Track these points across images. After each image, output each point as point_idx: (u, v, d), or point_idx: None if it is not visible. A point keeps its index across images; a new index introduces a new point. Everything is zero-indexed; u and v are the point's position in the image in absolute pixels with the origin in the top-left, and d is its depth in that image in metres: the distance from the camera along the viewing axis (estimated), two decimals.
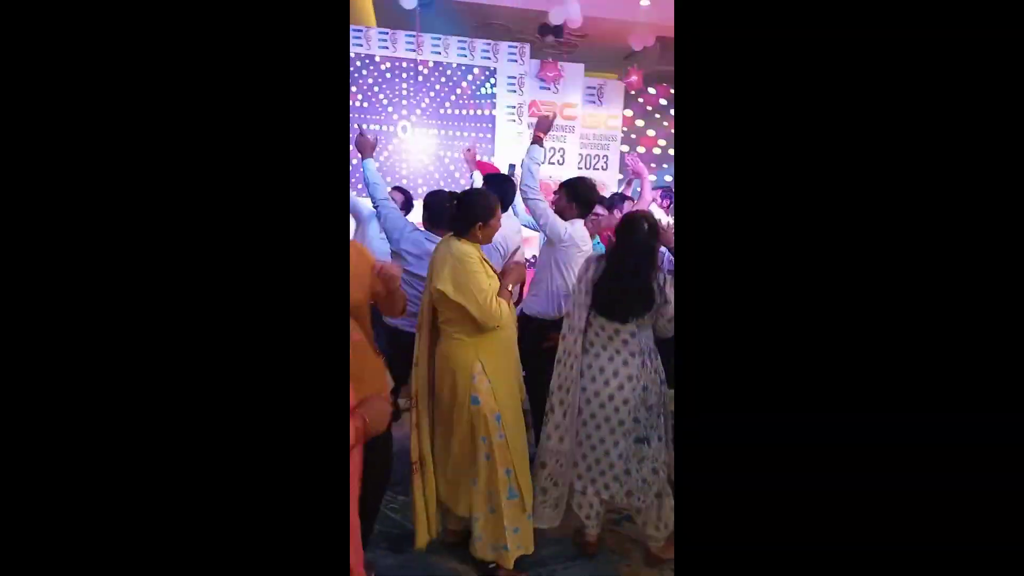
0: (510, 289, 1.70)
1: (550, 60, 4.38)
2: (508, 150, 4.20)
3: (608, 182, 4.88)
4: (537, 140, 2.22)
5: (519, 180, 2.32)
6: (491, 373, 1.65)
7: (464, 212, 1.67)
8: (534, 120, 4.42)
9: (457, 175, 4.18)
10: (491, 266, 1.73)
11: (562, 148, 4.56)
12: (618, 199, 3.32)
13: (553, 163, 4.53)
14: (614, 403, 1.72)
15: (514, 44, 4.27)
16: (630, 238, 1.72)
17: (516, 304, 1.83)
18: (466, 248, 1.64)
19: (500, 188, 2.33)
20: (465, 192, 1.75)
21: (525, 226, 2.67)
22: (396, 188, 2.90)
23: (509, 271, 1.73)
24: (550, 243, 2.27)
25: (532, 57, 4.36)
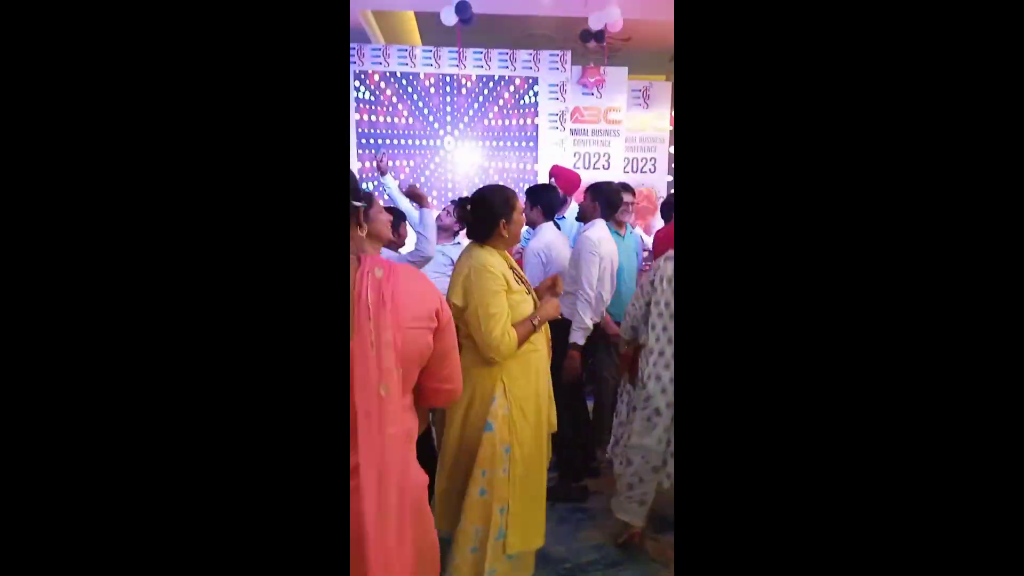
0: (535, 323, 1.48)
1: (592, 65, 4.37)
2: (551, 156, 4.22)
3: (657, 184, 4.80)
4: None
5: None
6: (512, 399, 1.46)
7: (482, 213, 1.48)
8: (576, 127, 4.45)
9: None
10: (521, 278, 1.55)
11: (607, 153, 4.53)
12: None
13: (598, 168, 4.50)
14: None
15: (555, 52, 4.30)
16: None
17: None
18: (487, 258, 1.44)
19: (545, 197, 2.35)
20: (477, 191, 1.56)
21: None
22: (453, 202, 2.93)
23: (541, 307, 1.51)
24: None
25: (574, 64, 4.37)
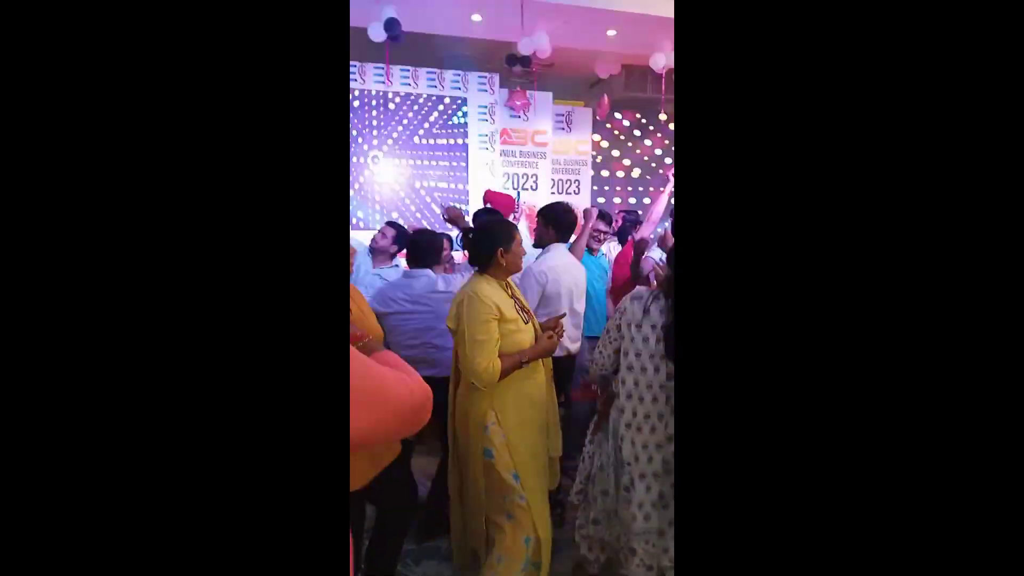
0: (523, 360, 1.48)
1: (519, 89, 4.45)
2: (481, 177, 4.22)
3: (581, 206, 4.95)
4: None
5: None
6: (507, 427, 1.47)
7: (481, 242, 1.52)
8: (506, 148, 4.50)
9: (434, 206, 4.17)
10: (523, 307, 1.56)
11: (535, 174, 4.61)
12: (630, 218, 3.36)
13: (526, 189, 4.57)
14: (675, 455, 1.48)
15: (484, 74, 4.33)
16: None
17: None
18: (482, 287, 1.46)
19: (564, 218, 2.19)
20: (476, 222, 1.62)
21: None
22: (389, 223, 2.82)
23: (537, 343, 1.52)
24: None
25: (501, 86, 4.42)
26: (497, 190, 3.54)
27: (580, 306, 2.23)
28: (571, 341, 2.20)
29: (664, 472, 1.52)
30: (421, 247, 2.09)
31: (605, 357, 1.62)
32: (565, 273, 2.13)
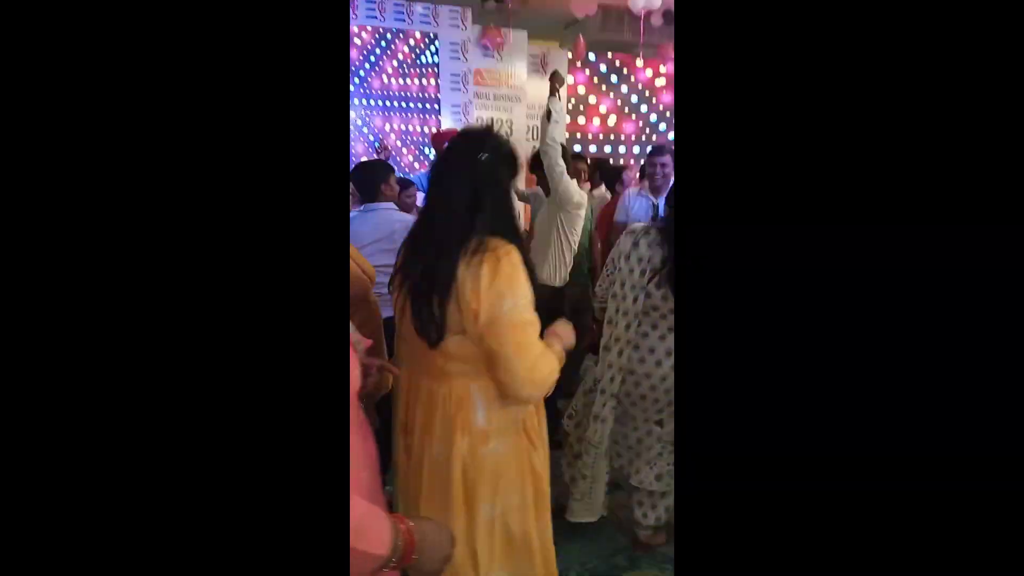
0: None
1: (493, 26, 4.21)
2: (455, 121, 4.03)
3: None
4: (554, 92, 2.17)
5: (543, 134, 2.18)
6: None
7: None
8: (478, 88, 4.28)
9: (404, 150, 3.97)
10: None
11: (510, 119, 4.43)
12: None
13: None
14: (665, 384, 1.58)
15: (455, 8, 4.06)
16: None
17: None
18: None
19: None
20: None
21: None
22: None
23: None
24: (555, 207, 2.20)
25: (474, 22, 4.17)
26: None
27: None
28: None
29: (623, 394, 1.65)
30: (364, 177, 2.04)
31: (604, 290, 1.70)
32: None
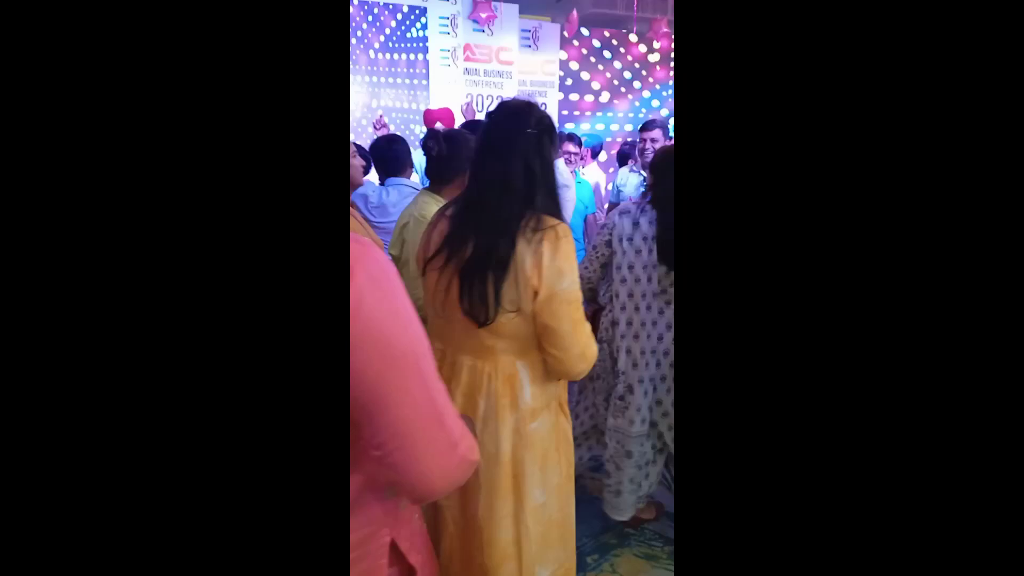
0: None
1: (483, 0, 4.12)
2: (443, 97, 3.97)
3: None
4: None
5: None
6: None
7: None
8: (469, 66, 4.21)
9: (392, 127, 3.91)
10: None
11: (500, 96, 4.37)
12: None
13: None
14: (669, 359, 1.58)
15: None
16: (669, 175, 1.49)
17: None
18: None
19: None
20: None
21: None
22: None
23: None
24: None
25: None
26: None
27: None
28: None
29: (660, 379, 1.61)
30: (388, 153, 2.03)
31: (592, 272, 1.66)
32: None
